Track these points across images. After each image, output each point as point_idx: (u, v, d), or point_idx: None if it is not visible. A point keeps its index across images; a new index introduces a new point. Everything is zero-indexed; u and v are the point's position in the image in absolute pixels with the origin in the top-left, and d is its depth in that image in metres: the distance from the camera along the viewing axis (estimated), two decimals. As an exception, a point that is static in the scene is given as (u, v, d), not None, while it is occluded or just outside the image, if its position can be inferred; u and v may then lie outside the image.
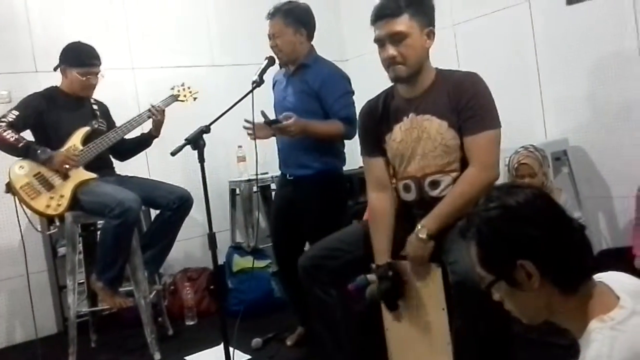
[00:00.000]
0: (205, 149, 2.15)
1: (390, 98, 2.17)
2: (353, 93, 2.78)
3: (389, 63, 2.02)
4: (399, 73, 2.02)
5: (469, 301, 1.76)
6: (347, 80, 2.80)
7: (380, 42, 2.02)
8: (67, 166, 2.84)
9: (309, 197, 2.74)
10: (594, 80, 3.19)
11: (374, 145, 2.20)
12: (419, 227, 1.95)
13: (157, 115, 3.09)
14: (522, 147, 2.85)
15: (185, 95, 3.29)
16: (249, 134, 2.69)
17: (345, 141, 2.83)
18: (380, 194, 2.18)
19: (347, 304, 2.26)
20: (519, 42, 3.49)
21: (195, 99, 3.30)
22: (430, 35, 2.03)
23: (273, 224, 3.05)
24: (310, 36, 2.80)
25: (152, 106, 3.10)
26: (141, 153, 3.33)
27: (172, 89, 3.28)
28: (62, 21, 3.72)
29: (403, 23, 1.96)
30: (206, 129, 2.15)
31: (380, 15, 1.99)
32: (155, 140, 3.19)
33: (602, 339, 1.04)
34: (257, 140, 2.55)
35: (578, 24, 3.19)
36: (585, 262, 1.15)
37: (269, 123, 2.64)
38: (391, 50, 1.99)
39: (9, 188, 2.83)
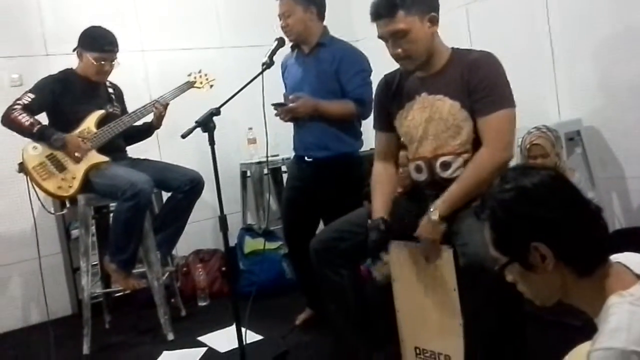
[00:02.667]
0: (216, 132, 2.15)
1: (405, 75, 2.15)
2: (370, 72, 2.75)
3: (396, 59, 2.03)
4: (408, 67, 2.04)
5: (479, 283, 1.75)
6: (364, 58, 2.77)
7: (383, 39, 2.01)
8: (78, 154, 2.86)
9: (328, 180, 2.74)
10: (608, 60, 3.14)
11: (385, 120, 2.23)
12: (431, 210, 1.94)
13: (161, 111, 3.10)
14: (535, 127, 2.82)
15: (201, 82, 3.29)
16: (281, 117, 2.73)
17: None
18: (385, 164, 2.24)
19: (359, 284, 2.27)
20: (532, 21, 3.44)
21: (211, 86, 3.29)
22: (433, 20, 1.98)
23: (285, 206, 3.04)
24: (320, 15, 2.78)
25: (157, 101, 3.09)
26: (152, 136, 3.33)
27: (189, 75, 3.28)
28: (72, 4, 3.71)
29: (400, 21, 1.92)
30: (216, 112, 2.15)
31: (376, 16, 1.97)
32: (167, 123, 3.19)
33: (621, 313, 1.04)
34: (268, 123, 2.54)
35: (592, 3, 3.13)
36: (601, 244, 1.14)
37: (275, 106, 2.65)
38: (395, 48, 1.98)
39: (22, 168, 2.85)
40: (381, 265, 2.31)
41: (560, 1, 3.31)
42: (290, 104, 2.64)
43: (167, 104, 3.12)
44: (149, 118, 3.18)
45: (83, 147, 2.87)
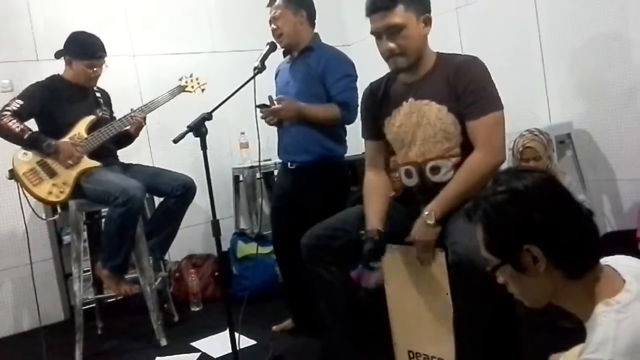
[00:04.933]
0: (208, 136, 2.14)
1: (391, 82, 2.17)
2: (356, 78, 2.76)
3: (387, 55, 2.01)
4: (399, 65, 2.02)
5: (468, 282, 1.76)
6: (350, 64, 2.78)
7: (376, 34, 2.00)
8: (71, 162, 2.85)
9: (310, 184, 2.74)
10: (599, 62, 3.16)
11: (372, 128, 2.23)
12: (426, 213, 1.95)
13: (140, 122, 3.08)
14: (527, 130, 2.84)
15: (192, 87, 3.29)
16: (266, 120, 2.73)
17: (348, 127, 2.82)
18: (375, 172, 2.24)
19: (349, 283, 2.26)
20: (523, 25, 3.46)
21: (203, 90, 3.30)
22: (427, 21, 2.00)
23: (272, 216, 3.04)
24: (311, 20, 2.79)
25: (134, 115, 3.08)
26: (144, 141, 3.33)
27: (180, 79, 3.28)
28: (62, 9, 3.71)
29: (398, 15, 1.93)
30: (208, 116, 2.15)
31: (374, 8, 1.96)
32: (158, 128, 3.19)
33: (608, 323, 1.05)
34: (260, 127, 2.54)
35: (583, 6, 3.16)
36: (592, 247, 1.15)
37: (259, 107, 2.64)
38: (389, 44, 1.97)
39: (12, 175, 2.83)
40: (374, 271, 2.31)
41: (550, 5, 3.33)
42: (274, 106, 2.65)
43: (144, 117, 3.11)
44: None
45: (76, 154, 2.86)
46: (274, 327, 3.01)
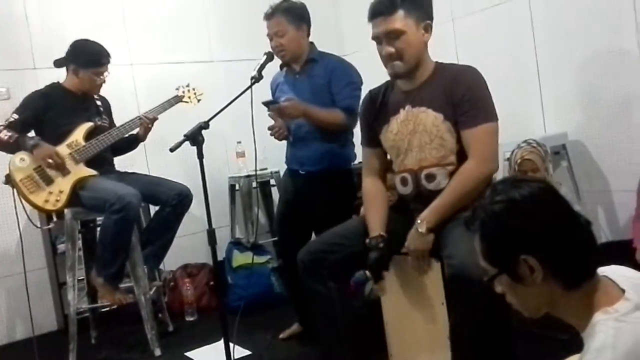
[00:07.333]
0: (204, 145, 2.15)
1: (389, 90, 2.18)
2: (361, 83, 2.77)
3: (387, 60, 2.04)
4: (397, 69, 2.04)
5: (465, 294, 1.76)
6: (354, 70, 2.80)
7: (377, 39, 2.04)
8: (50, 161, 2.81)
9: (321, 192, 2.74)
10: (594, 74, 3.17)
11: (371, 136, 2.24)
12: (419, 222, 1.96)
13: (147, 124, 3.10)
14: (525, 141, 2.83)
15: (189, 97, 3.30)
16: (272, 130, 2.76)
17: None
18: (373, 179, 2.24)
19: (346, 298, 2.26)
20: (518, 36, 3.48)
21: (199, 100, 3.31)
22: (428, 28, 2.03)
23: (278, 221, 3.03)
24: (309, 33, 2.80)
25: (145, 115, 3.09)
26: (140, 149, 3.32)
27: (177, 89, 3.29)
28: (60, 17, 3.71)
29: (398, 20, 1.97)
30: (205, 125, 2.15)
31: (375, 13, 2.00)
32: (155, 137, 3.19)
33: (607, 330, 1.04)
34: (257, 136, 2.54)
35: (578, 18, 3.18)
36: (590, 258, 1.14)
37: (266, 104, 2.64)
38: (388, 48, 2.00)
39: (8, 180, 2.83)
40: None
41: (545, 17, 3.35)
42: (281, 103, 2.65)
43: (156, 118, 3.12)
44: (136, 130, 3.17)
45: (55, 157, 2.81)
46: (281, 335, 2.99)
